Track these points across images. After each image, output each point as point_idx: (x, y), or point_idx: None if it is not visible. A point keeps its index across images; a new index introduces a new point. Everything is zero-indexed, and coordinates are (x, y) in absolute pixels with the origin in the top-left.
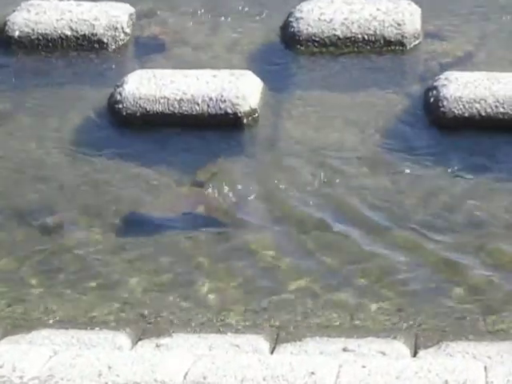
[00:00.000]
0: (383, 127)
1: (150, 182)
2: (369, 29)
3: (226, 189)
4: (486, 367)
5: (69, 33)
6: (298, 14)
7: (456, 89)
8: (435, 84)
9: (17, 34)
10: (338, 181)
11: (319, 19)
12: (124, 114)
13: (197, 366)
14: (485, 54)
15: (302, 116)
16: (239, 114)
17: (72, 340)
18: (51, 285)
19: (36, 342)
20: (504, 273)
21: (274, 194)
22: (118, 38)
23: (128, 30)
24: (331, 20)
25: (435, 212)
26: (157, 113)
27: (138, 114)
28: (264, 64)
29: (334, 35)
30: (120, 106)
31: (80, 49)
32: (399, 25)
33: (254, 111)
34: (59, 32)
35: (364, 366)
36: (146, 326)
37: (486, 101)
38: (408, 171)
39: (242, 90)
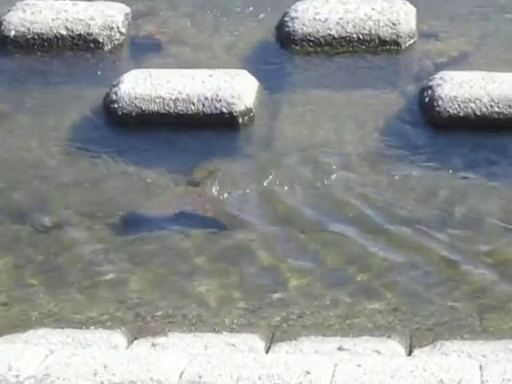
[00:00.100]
0: (378, 127)
1: (146, 182)
2: (364, 28)
3: (223, 188)
4: (481, 366)
5: (64, 32)
6: (293, 14)
7: (451, 88)
8: (430, 83)
9: (12, 33)
10: (333, 180)
11: (314, 19)
12: (120, 113)
13: (192, 365)
14: (480, 53)
15: (298, 115)
16: (235, 114)
17: (68, 339)
18: (47, 284)
19: (32, 342)
20: (500, 272)
21: (270, 194)
22: (113, 38)
23: (124, 30)
24: (326, 19)
25: (431, 211)
26: (152, 112)
27: (134, 113)
28: (259, 63)
29: (329, 35)
30: (116, 105)
31: (76, 48)
32: (394, 24)
33: (249, 111)
34: (55, 31)
35: (359, 365)
36: (142, 325)
37: (481, 100)
38: (404, 170)
39: (237, 89)
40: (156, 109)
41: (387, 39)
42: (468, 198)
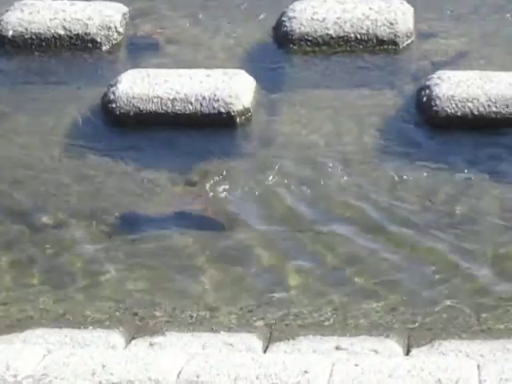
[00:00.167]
0: (376, 126)
1: (144, 182)
2: (361, 28)
3: (220, 188)
4: (478, 365)
5: (62, 32)
6: (290, 14)
7: (448, 88)
8: (428, 83)
9: (10, 33)
10: (331, 179)
11: (312, 18)
12: (117, 113)
13: (190, 364)
14: (477, 53)
15: (295, 115)
16: (232, 113)
17: (66, 339)
18: (45, 284)
19: (30, 341)
20: (498, 271)
21: (268, 193)
22: (111, 38)
23: (121, 30)
24: (324, 19)
25: (430, 211)
26: (150, 112)
27: (132, 113)
28: (257, 63)
29: (327, 34)
30: (113, 105)
31: (73, 48)
32: (392, 24)
33: (247, 110)
34: (52, 31)
35: (357, 365)
36: (140, 324)
37: (478, 100)
38: (402, 170)
39: (235, 89)
40: (154, 108)
41: (385, 39)
42: (466, 197)
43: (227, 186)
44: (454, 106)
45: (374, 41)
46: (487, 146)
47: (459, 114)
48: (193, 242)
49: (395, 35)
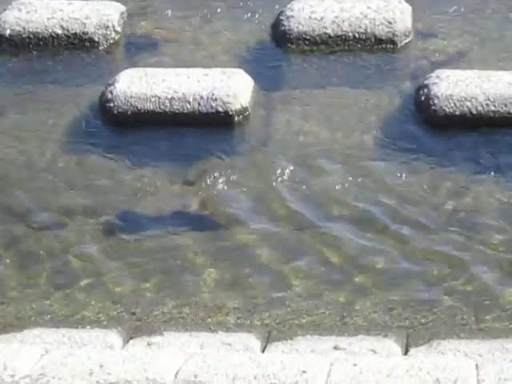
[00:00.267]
0: (374, 125)
1: (142, 181)
2: (360, 27)
3: (218, 187)
4: (477, 365)
5: (60, 31)
6: (288, 13)
7: (447, 87)
8: (426, 82)
9: (8, 32)
10: (329, 179)
11: (310, 17)
12: (115, 112)
13: (188, 364)
14: (476, 52)
15: (293, 114)
16: (230, 113)
17: (63, 339)
18: (43, 283)
19: (27, 341)
20: (496, 271)
21: (266, 192)
22: (109, 37)
23: (119, 29)
24: (322, 18)
25: (429, 209)
26: (148, 111)
27: (129, 112)
28: (255, 62)
29: (325, 33)
30: (111, 104)
31: (71, 47)
32: (390, 23)
33: (245, 109)
34: (50, 31)
35: (355, 365)
36: (138, 324)
37: (476, 99)
38: (401, 169)
39: (233, 88)
40: (151, 108)
41: (383, 38)
42: (465, 196)
43: (225, 185)
44: (452, 105)
45: (373, 40)
46: (486, 144)
47: (458, 113)
48: (191, 241)
49: (393, 34)
